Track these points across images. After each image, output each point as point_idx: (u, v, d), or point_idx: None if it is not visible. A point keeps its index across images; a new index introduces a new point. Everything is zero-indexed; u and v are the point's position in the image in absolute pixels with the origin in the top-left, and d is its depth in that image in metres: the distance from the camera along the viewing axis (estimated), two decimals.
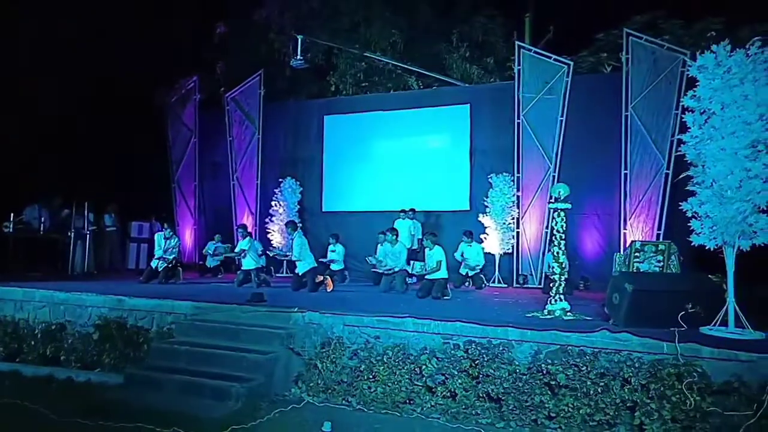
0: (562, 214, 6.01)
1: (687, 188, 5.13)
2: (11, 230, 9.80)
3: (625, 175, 10.89)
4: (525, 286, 11.31)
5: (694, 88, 4.98)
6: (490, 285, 11.34)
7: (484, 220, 11.69)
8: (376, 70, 15.06)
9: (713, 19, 13.40)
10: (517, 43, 12.30)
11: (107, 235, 12.16)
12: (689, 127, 5.02)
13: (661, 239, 10.38)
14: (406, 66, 14.25)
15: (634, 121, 10.88)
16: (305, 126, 13.98)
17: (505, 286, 11.40)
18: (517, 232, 11.64)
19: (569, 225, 10.96)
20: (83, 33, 12.65)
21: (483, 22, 16.01)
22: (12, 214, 9.97)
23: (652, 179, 10.75)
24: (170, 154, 14.58)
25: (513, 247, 11.63)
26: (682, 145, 5.09)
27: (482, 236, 11.65)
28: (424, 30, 15.70)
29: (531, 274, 11.54)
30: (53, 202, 10.98)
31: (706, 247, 5.16)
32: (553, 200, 6.09)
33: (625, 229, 10.83)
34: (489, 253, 11.60)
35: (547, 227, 11.48)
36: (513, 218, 11.60)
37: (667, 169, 10.58)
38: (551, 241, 6.09)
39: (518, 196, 11.66)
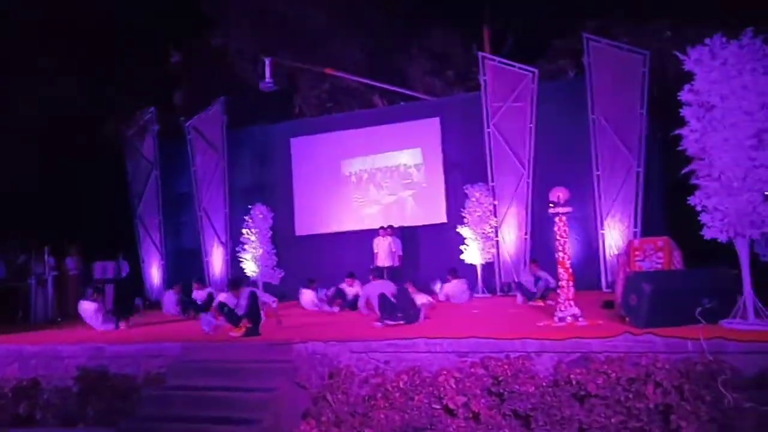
0: (564, 218, 5.93)
1: (691, 182, 5.12)
2: None
3: (597, 176, 11.03)
4: (510, 294, 11.23)
5: (691, 83, 5.01)
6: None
7: (463, 231, 11.59)
8: (339, 90, 14.91)
9: (659, 20, 13.88)
10: (479, 54, 12.38)
11: (70, 279, 11.41)
12: (688, 121, 5.04)
13: (638, 236, 10.56)
14: (370, 82, 14.14)
15: (600, 123, 11.06)
16: (271, 150, 13.68)
17: (489, 295, 11.29)
18: (497, 241, 11.60)
19: (549, 231, 11.21)
20: (31, 69, 12.02)
21: (441, 35, 16.12)
22: None
23: (624, 179, 10.90)
24: (130, 189, 13.93)
25: (494, 256, 11.57)
26: (681, 139, 5.09)
27: (462, 247, 11.54)
28: (384, 46, 15.68)
29: (514, 282, 11.48)
30: (9, 249, 10.24)
31: (706, 239, 5.17)
32: (552, 205, 6.02)
33: (602, 229, 10.94)
34: (470, 264, 11.50)
35: (526, 234, 11.52)
36: (491, 227, 11.55)
37: (638, 167, 10.77)
38: (556, 247, 5.96)
39: (495, 205, 11.63)
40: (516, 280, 10.85)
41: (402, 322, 6.76)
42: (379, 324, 6.82)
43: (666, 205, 10.90)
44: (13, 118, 11.55)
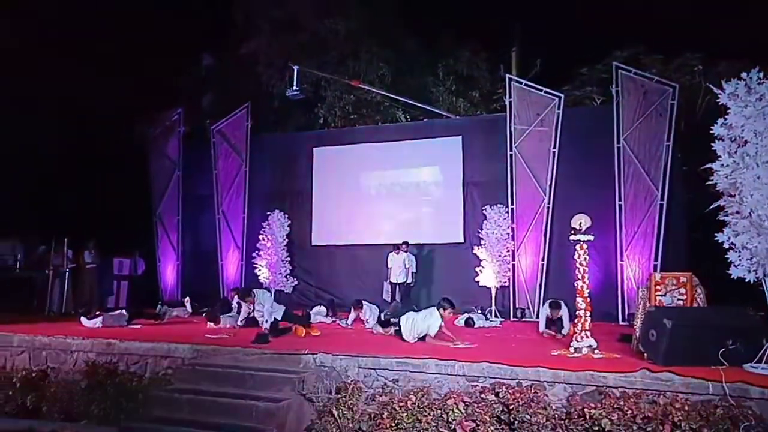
0: (585, 246, 5.83)
1: (718, 218, 5.00)
2: None
3: (620, 206, 10.86)
4: (523, 319, 11.08)
5: (725, 117, 4.92)
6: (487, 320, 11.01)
7: (479, 252, 11.47)
8: (364, 102, 14.98)
9: (691, 54, 13.78)
10: (507, 76, 12.35)
11: (86, 272, 11.51)
12: (719, 156, 4.94)
13: (657, 270, 10.35)
14: (395, 97, 14.18)
15: (626, 153, 10.92)
16: (293, 158, 13.70)
17: (502, 320, 11.12)
18: (513, 265, 11.46)
19: (566, 258, 11.06)
20: (63, 64, 12.26)
21: (467, 56, 16.17)
22: None
23: (646, 210, 10.73)
24: (152, 188, 14.06)
25: (509, 280, 11.42)
26: (711, 175, 4.98)
27: (477, 269, 11.42)
28: (410, 64, 15.77)
29: (528, 308, 11.32)
30: (30, 238, 10.37)
31: (731, 278, 5.04)
32: (573, 232, 5.92)
33: (621, 260, 10.75)
34: (485, 286, 11.37)
35: (542, 259, 11.37)
36: (508, 250, 11.42)
37: (662, 200, 10.60)
38: (576, 276, 5.85)
39: (513, 228, 11.51)
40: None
41: None
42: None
43: (687, 240, 10.69)
44: (42, 111, 11.79)
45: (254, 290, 8.23)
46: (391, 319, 8.22)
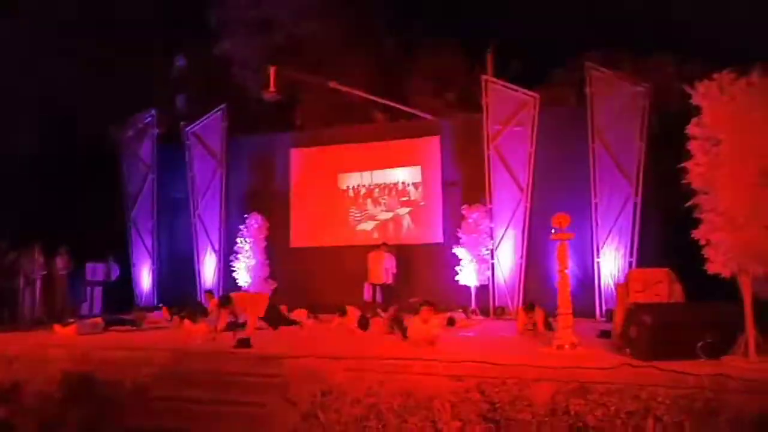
0: (566, 244, 5.90)
1: (691, 216, 5.11)
2: None
3: (595, 204, 11.04)
4: (503, 317, 11.17)
5: (699, 117, 5.03)
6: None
7: (459, 252, 11.55)
8: (341, 104, 14.89)
9: (662, 54, 14.02)
10: (483, 77, 12.44)
11: (59, 279, 11.21)
12: (693, 155, 5.05)
13: (633, 266, 10.56)
14: (372, 98, 14.14)
15: (600, 152, 11.11)
16: (271, 160, 13.61)
17: (482, 317, 11.20)
18: (492, 264, 11.55)
19: (544, 256, 11.19)
20: (30, 64, 11.92)
21: (444, 57, 16.21)
22: None
23: (621, 208, 10.93)
24: (126, 191, 13.79)
25: (489, 278, 11.51)
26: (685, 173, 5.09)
27: (457, 268, 11.49)
28: (387, 64, 15.75)
29: (508, 306, 11.42)
30: None
31: (704, 273, 5.16)
32: (554, 231, 5.99)
33: (598, 258, 10.93)
34: (464, 285, 11.45)
35: (521, 258, 11.48)
36: (487, 249, 11.51)
37: (636, 196, 10.80)
38: (556, 274, 5.92)
39: (491, 227, 11.61)
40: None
41: None
42: None
43: (662, 237, 10.90)
44: (8, 113, 11.42)
45: (232, 295, 8.15)
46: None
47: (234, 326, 7.78)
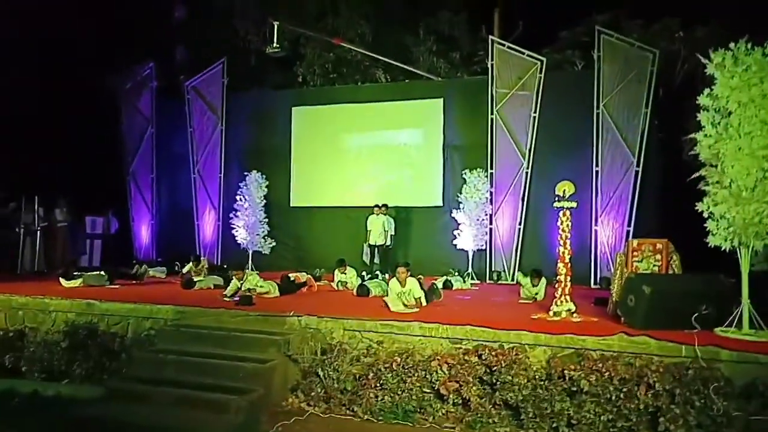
0: (568, 213, 5.93)
1: (699, 188, 5.12)
2: None
3: (597, 171, 11.02)
4: (499, 282, 11.31)
5: (712, 86, 4.97)
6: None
7: (458, 216, 11.58)
8: (343, 61, 14.65)
9: (670, 19, 13.75)
10: (490, 37, 12.21)
11: (58, 231, 11.24)
12: (703, 126, 5.02)
13: (630, 236, 10.64)
14: (375, 56, 13.89)
15: (605, 119, 11.01)
16: (272, 117, 13.43)
17: (479, 282, 11.32)
18: (490, 229, 11.61)
19: (542, 222, 11.25)
20: (26, 13, 11.60)
21: (449, 16, 15.88)
22: None
23: (622, 176, 10.92)
24: (125, 145, 13.67)
25: (486, 243, 11.59)
26: (694, 145, 5.07)
27: (455, 232, 11.55)
28: (390, 22, 15.40)
29: (504, 271, 11.55)
30: None
31: (700, 245, 5.22)
32: (557, 199, 6.01)
33: (596, 225, 10.99)
34: (462, 249, 11.53)
35: (520, 223, 11.54)
36: (486, 214, 11.56)
37: (637, 166, 10.78)
38: (557, 242, 5.98)
39: (491, 192, 11.61)
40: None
41: None
42: None
43: (660, 207, 10.95)
44: (11, 60, 11.19)
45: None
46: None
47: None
